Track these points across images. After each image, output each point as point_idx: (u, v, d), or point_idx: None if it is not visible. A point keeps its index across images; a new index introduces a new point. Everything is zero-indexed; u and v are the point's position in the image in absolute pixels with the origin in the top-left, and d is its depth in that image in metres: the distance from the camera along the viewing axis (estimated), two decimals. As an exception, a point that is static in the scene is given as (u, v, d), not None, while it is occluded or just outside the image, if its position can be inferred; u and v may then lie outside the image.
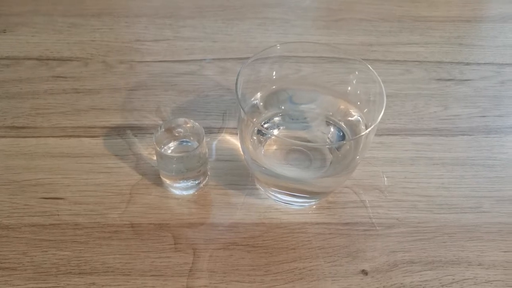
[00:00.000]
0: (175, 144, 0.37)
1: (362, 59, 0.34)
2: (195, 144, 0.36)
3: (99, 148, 0.40)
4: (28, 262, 0.33)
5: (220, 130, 0.42)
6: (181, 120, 0.37)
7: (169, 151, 0.36)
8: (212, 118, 0.43)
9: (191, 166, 0.35)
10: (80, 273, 0.33)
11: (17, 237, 0.34)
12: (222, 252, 0.34)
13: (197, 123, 0.36)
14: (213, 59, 0.49)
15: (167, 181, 0.37)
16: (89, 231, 0.35)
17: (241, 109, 0.31)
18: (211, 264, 0.33)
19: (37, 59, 0.48)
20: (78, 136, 0.41)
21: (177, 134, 0.37)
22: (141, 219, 0.35)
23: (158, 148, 0.34)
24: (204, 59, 0.49)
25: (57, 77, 0.47)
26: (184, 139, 0.37)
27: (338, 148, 0.36)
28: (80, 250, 0.34)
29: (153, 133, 0.36)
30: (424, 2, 0.57)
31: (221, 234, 0.35)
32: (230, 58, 0.49)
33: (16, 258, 0.33)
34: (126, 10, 0.56)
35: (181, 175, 0.35)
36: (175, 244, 0.34)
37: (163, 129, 0.36)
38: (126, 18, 0.54)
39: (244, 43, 0.51)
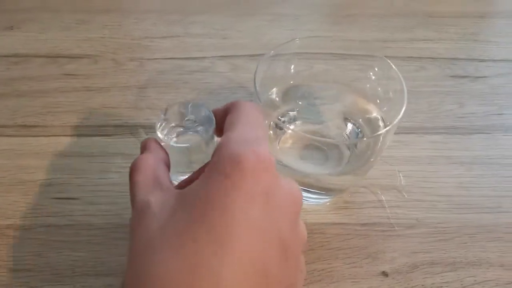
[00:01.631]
0: (180, 133, 0.31)
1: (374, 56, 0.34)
2: (204, 133, 0.30)
3: (111, 147, 0.40)
4: (44, 263, 0.33)
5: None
6: (187, 105, 0.30)
7: (173, 141, 0.30)
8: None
9: (197, 159, 0.30)
10: (96, 274, 0.32)
11: (32, 238, 0.34)
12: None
13: (207, 110, 0.30)
14: (224, 56, 0.48)
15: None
16: (104, 232, 0.34)
17: (259, 101, 0.30)
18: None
19: (46, 56, 0.48)
20: (90, 135, 0.40)
21: (183, 123, 0.31)
22: (157, 220, 0.35)
23: (160, 137, 0.29)
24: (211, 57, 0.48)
25: (68, 74, 0.46)
26: (191, 128, 0.31)
27: (355, 145, 0.35)
28: (96, 251, 0.33)
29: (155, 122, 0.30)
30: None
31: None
32: (241, 55, 0.49)
33: (31, 259, 0.33)
34: (134, 6, 0.55)
35: (186, 168, 0.31)
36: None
37: (167, 116, 0.30)
38: (135, 14, 0.53)
39: (255, 39, 0.51)
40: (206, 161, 0.26)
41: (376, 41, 0.50)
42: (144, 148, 0.28)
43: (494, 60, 0.49)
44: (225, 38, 0.51)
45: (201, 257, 0.19)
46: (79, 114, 0.42)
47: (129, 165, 0.26)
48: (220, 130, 0.28)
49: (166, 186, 0.24)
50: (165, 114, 0.30)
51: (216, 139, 0.30)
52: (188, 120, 0.31)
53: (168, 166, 0.28)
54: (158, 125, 0.30)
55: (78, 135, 0.40)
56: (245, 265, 0.20)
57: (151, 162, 0.26)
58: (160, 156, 0.27)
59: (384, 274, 0.33)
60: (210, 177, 0.21)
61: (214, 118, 0.29)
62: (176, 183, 0.28)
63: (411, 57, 0.48)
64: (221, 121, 0.27)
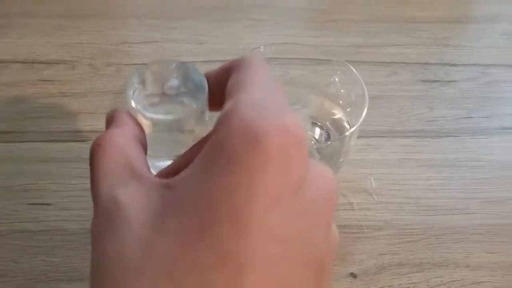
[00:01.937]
0: (160, 103, 0.23)
1: (347, 61, 0.35)
2: (193, 102, 0.22)
3: (87, 152, 0.40)
4: (18, 269, 0.33)
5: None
6: (169, 65, 0.23)
7: (151, 113, 0.22)
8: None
9: (183, 139, 0.23)
10: (69, 279, 0.33)
11: (6, 244, 0.34)
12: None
13: (197, 71, 0.23)
14: (200, 61, 0.49)
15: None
16: (78, 237, 0.35)
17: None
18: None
19: (23, 62, 0.48)
20: (66, 141, 0.41)
21: (164, 89, 0.23)
22: (130, 224, 0.35)
23: (134, 106, 0.22)
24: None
25: (44, 80, 0.46)
26: (175, 97, 0.22)
27: (323, 149, 0.36)
28: (69, 256, 0.34)
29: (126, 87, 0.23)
30: (415, 2, 0.57)
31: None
32: (217, 61, 0.49)
33: (6, 265, 0.33)
34: (114, 11, 0.55)
35: (167, 151, 0.23)
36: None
37: (143, 79, 0.23)
38: (114, 20, 0.54)
39: (233, 44, 0.51)
40: (193, 142, 0.20)
41: (351, 47, 0.51)
42: (110, 121, 0.21)
43: (464, 65, 0.50)
44: (203, 44, 0.52)
45: None
46: (55, 119, 0.42)
47: None
48: (214, 102, 0.21)
49: (144, 175, 0.17)
50: (140, 77, 0.22)
51: (209, 114, 0.22)
52: (171, 85, 0.22)
53: (144, 147, 0.20)
54: (131, 92, 0.22)
55: (54, 141, 0.41)
56: None
57: (120, 140, 0.19)
58: (133, 133, 0.20)
59: (353, 275, 0.33)
60: (212, 165, 0.14)
61: (206, 83, 0.22)
62: (154, 172, 0.20)
63: (384, 62, 0.49)
64: (218, 88, 0.20)
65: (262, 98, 0.16)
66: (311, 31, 0.53)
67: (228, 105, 0.16)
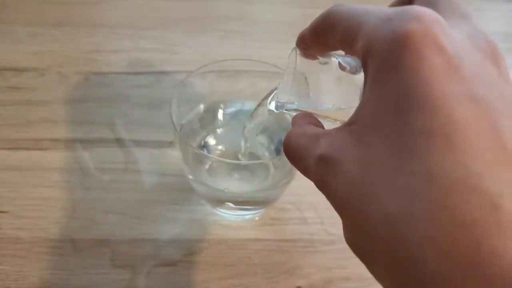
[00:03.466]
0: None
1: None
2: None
3: (46, 161, 0.40)
4: (-35, 277, 0.33)
5: (171, 144, 0.42)
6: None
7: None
8: (164, 131, 0.43)
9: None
10: (17, 287, 0.33)
11: (-44, 251, 0.34)
12: (161, 268, 0.34)
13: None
14: (170, 71, 0.50)
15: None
16: (29, 246, 0.35)
17: (176, 132, 0.31)
18: (148, 281, 0.33)
19: (-8, 69, 0.48)
20: (27, 149, 0.41)
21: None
22: (82, 234, 0.36)
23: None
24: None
25: (12, 87, 0.47)
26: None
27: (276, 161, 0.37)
28: (19, 264, 0.34)
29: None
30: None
31: (161, 251, 0.35)
32: (188, 71, 0.50)
33: (-47, 273, 0.33)
34: (88, 19, 0.56)
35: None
36: (114, 260, 0.34)
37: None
38: (87, 28, 0.54)
39: (204, 55, 0.52)
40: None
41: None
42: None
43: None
44: (174, 54, 0.52)
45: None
46: (17, 127, 0.43)
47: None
48: None
49: (330, 132, 0.19)
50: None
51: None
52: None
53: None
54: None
55: (14, 149, 0.41)
56: None
57: (299, 131, 0.20)
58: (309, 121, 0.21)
59: (299, 289, 0.34)
60: (383, 85, 0.16)
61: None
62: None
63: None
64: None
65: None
66: (281, 44, 0.54)
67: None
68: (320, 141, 0.18)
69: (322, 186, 0.18)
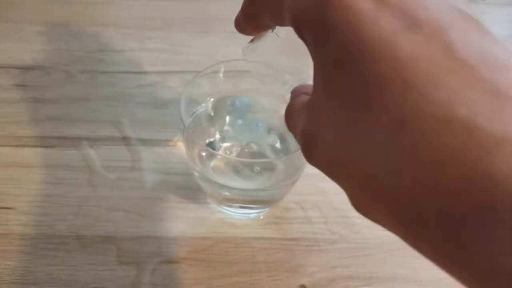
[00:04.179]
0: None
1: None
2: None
3: (53, 158, 0.41)
4: (-28, 272, 0.34)
5: (176, 143, 0.43)
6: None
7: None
8: (169, 130, 0.44)
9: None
10: (24, 283, 0.33)
11: (-36, 247, 0.35)
12: (166, 265, 0.34)
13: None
14: (175, 71, 0.50)
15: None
16: (35, 242, 0.35)
17: (185, 129, 0.32)
18: (153, 278, 0.34)
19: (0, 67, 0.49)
20: (33, 146, 0.41)
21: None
22: (87, 231, 0.36)
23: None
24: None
25: (18, 85, 0.47)
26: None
27: (281, 160, 0.37)
28: (25, 260, 0.34)
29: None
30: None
31: (166, 248, 0.35)
32: (192, 71, 0.50)
33: (-40, 268, 0.34)
34: (94, 19, 0.56)
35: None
36: (119, 257, 0.35)
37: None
38: (93, 27, 0.55)
39: (208, 56, 0.52)
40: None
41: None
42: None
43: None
44: (179, 54, 0.52)
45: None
46: (24, 124, 0.43)
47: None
48: None
49: (309, 102, 0.19)
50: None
51: None
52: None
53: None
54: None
55: (21, 146, 0.41)
56: None
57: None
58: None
59: (303, 287, 0.34)
60: (327, 22, 0.16)
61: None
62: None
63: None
64: None
65: None
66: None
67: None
68: (301, 115, 0.19)
69: (309, 161, 0.18)
